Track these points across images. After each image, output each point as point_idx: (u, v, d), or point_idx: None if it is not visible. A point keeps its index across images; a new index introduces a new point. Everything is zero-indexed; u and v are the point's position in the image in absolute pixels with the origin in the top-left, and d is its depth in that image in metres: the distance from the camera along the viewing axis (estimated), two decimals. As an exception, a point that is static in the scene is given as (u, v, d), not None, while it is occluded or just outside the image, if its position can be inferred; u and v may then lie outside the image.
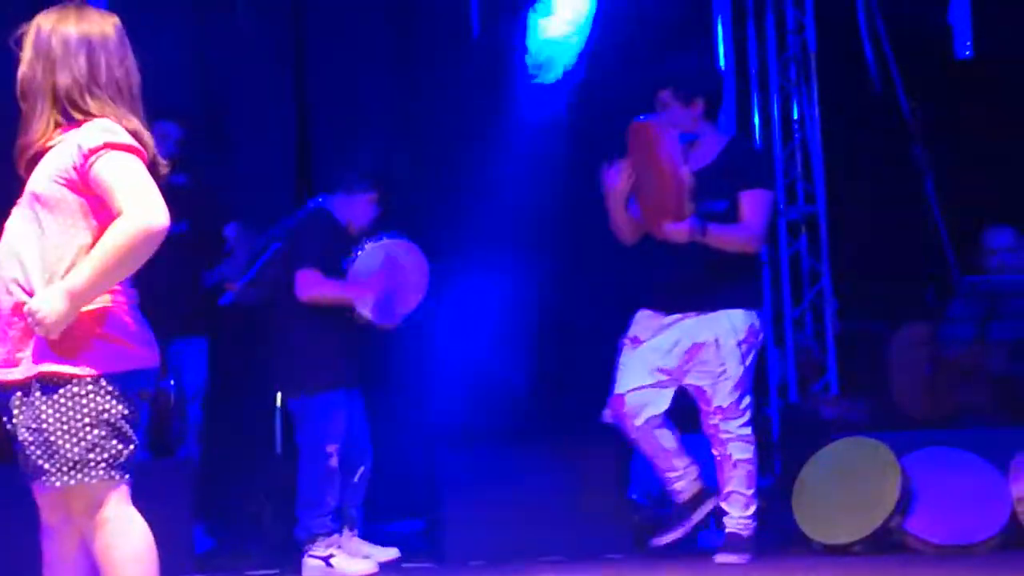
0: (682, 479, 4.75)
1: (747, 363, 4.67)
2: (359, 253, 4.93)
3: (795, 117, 7.78)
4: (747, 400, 4.72)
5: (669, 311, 4.70)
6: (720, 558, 4.64)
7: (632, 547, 4.99)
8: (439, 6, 6.64)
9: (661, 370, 4.70)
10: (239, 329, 5.50)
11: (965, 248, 6.08)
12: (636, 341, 4.72)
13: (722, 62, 7.21)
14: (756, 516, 4.76)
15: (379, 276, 4.92)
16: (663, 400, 4.70)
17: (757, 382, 6.95)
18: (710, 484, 4.78)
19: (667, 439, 4.72)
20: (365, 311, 4.88)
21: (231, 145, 5.96)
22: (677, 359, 4.68)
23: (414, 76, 6.67)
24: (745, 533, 4.71)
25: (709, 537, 5.12)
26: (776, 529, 5.44)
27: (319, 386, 4.82)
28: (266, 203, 5.85)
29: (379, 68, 6.62)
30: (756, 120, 7.76)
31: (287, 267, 4.90)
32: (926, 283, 5.52)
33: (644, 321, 4.75)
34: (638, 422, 4.68)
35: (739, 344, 4.65)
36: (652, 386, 4.69)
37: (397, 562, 4.92)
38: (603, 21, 6.54)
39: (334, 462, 4.81)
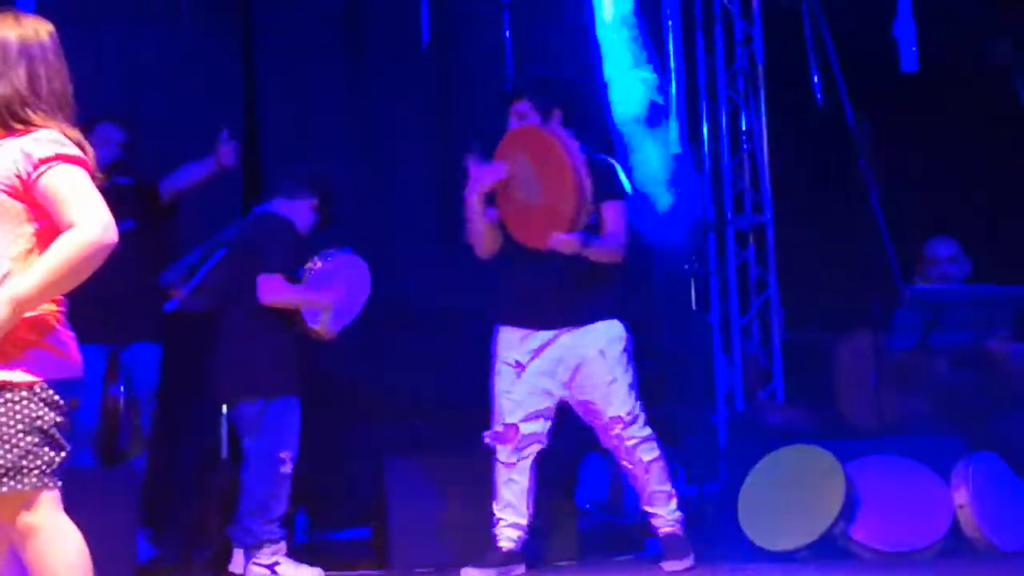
0: (511, 528, 4.62)
1: (631, 368, 4.66)
2: (319, 262, 4.91)
3: (743, 128, 7.84)
4: (639, 403, 4.69)
5: (540, 327, 4.59)
6: (667, 566, 4.63)
7: (579, 555, 4.99)
8: (390, 13, 6.63)
9: (548, 393, 4.61)
10: (186, 334, 5.45)
11: (908, 258, 6.16)
12: (519, 366, 4.59)
13: (672, 73, 7.26)
14: (681, 507, 4.75)
15: (338, 287, 4.92)
16: (546, 432, 4.64)
17: (705, 389, 7.03)
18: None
19: (530, 480, 4.64)
20: (322, 318, 4.87)
21: (177, 149, 5.91)
22: (562, 379, 4.61)
23: (365, 82, 6.66)
24: (679, 531, 4.69)
25: (656, 545, 5.13)
26: (722, 535, 5.47)
27: (278, 391, 4.79)
28: (212, 208, 5.80)
29: (330, 73, 6.60)
30: (704, 131, 7.81)
31: (243, 271, 4.85)
32: (871, 293, 5.57)
33: (515, 341, 4.61)
34: (526, 453, 4.60)
35: (622, 352, 4.64)
36: (542, 414, 4.60)
37: (343, 570, 4.89)
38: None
39: (287, 468, 4.79)
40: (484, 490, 4.68)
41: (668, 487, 4.70)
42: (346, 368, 5.95)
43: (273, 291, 4.75)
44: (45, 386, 2.60)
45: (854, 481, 4.79)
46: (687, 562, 4.62)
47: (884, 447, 5.08)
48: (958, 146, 7.23)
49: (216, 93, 6.21)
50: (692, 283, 6.29)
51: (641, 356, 7.66)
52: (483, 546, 4.68)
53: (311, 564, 4.80)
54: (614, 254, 4.63)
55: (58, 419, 2.62)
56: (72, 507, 4.44)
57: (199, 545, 5.00)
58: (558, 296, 4.57)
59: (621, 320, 4.68)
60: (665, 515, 4.67)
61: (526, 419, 4.58)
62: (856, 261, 6.19)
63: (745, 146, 7.87)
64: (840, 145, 6.41)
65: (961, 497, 4.76)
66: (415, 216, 6.38)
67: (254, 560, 4.71)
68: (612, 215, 4.59)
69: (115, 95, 5.93)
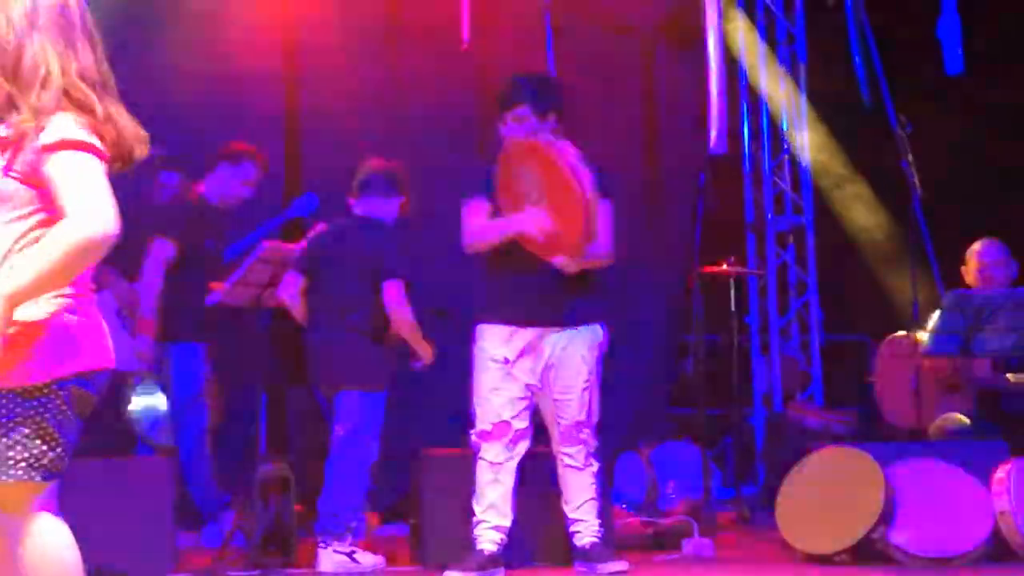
0: (493, 530, 4.54)
1: (599, 373, 4.65)
2: None
3: (784, 129, 7.80)
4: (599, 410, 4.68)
5: (527, 325, 4.56)
6: (609, 567, 4.54)
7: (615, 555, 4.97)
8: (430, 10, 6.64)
9: (530, 388, 4.58)
10: (225, 328, 5.51)
11: (951, 261, 6.10)
12: (507, 362, 4.55)
13: (714, 75, 7.23)
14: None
15: None
16: (531, 432, 4.61)
17: (743, 391, 7.00)
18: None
19: (515, 482, 4.57)
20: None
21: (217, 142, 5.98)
22: (539, 377, 4.58)
23: (404, 83, 6.68)
24: (600, 539, 4.63)
25: (692, 545, 5.11)
26: (759, 538, 5.45)
27: (380, 383, 4.93)
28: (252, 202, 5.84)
29: (370, 70, 6.63)
30: (745, 131, 7.78)
31: (358, 275, 4.92)
32: (912, 295, 5.52)
33: (502, 338, 4.56)
34: (516, 452, 4.55)
35: (599, 358, 4.64)
36: (527, 412, 4.57)
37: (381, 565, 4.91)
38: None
39: (374, 455, 4.93)
40: (524, 486, 4.66)
41: (596, 498, 4.66)
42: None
43: (399, 301, 4.89)
44: (57, 384, 2.49)
45: (894, 485, 4.75)
46: (623, 564, 4.58)
47: (924, 451, 5.03)
48: (1002, 148, 7.16)
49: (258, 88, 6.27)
50: (731, 284, 6.25)
51: (679, 357, 7.69)
52: (517, 541, 4.68)
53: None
54: (605, 260, 4.64)
55: (65, 414, 2.51)
56: (110, 495, 4.55)
57: (238, 535, 5.02)
58: (546, 296, 4.55)
59: (602, 325, 4.67)
60: (593, 523, 4.62)
61: (516, 416, 4.55)
62: (897, 263, 6.15)
63: (786, 147, 7.83)
64: (882, 146, 6.36)
65: (1002, 503, 4.71)
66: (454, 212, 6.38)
67: (335, 548, 4.78)
68: (600, 221, 4.54)
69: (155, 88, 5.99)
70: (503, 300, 4.60)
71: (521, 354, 4.56)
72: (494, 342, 4.58)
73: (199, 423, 5.52)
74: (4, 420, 2.47)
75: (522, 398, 4.57)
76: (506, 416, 4.53)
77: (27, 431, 2.48)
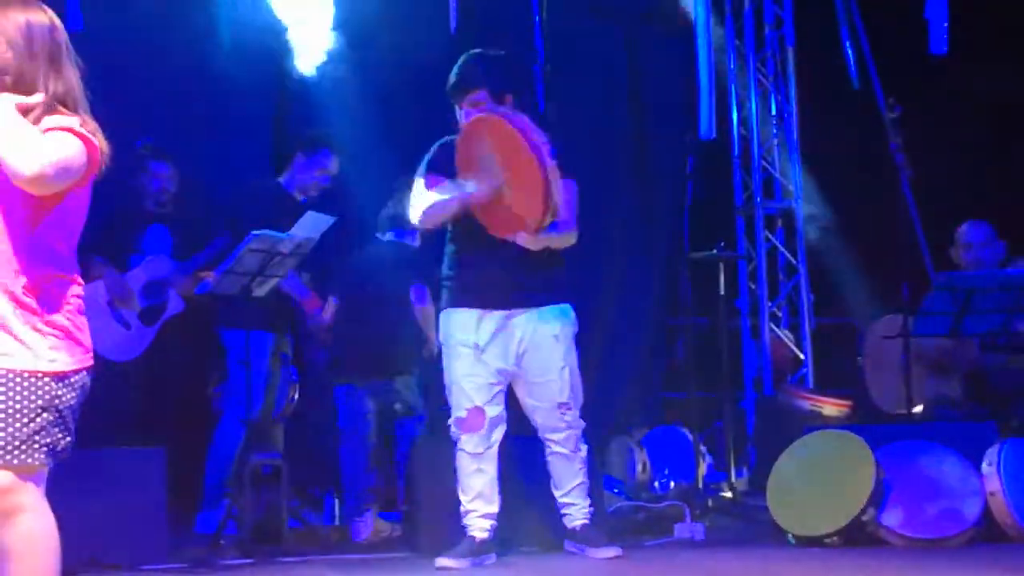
0: (483, 518, 4.53)
1: (576, 353, 4.63)
2: None
3: (773, 112, 7.80)
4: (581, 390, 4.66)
5: (494, 308, 4.52)
6: (598, 553, 4.55)
7: (607, 539, 4.98)
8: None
9: (502, 372, 4.55)
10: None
11: (940, 242, 6.12)
12: (478, 348, 4.51)
13: (703, 58, 7.22)
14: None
15: None
16: (506, 416, 4.58)
17: (733, 375, 7.01)
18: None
19: (498, 468, 4.56)
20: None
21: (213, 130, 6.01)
22: (512, 361, 4.55)
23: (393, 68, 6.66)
24: (590, 522, 4.63)
25: (684, 529, 5.13)
26: (750, 521, 5.46)
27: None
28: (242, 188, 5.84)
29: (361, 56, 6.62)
30: (734, 116, 7.78)
31: (408, 269, 5.51)
32: (901, 277, 5.53)
33: (471, 323, 4.53)
34: (493, 440, 4.53)
35: (573, 337, 4.62)
36: (501, 397, 4.55)
37: (374, 553, 4.93)
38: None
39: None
40: (514, 474, 4.67)
41: (587, 480, 4.67)
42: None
43: (424, 301, 5.54)
44: (77, 373, 2.66)
45: (884, 467, 4.76)
46: (616, 549, 4.58)
47: (914, 433, 5.05)
48: (989, 129, 7.17)
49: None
50: (721, 268, 6.26)
51: (670, 341, 7.70)
52: (513, 528, 4.68)
53: (341, 550, 4.88)
54: (571, 239, 4.60)
55: (75, 403, 2.67)
56: (103, 485, 4.55)
57: (231, 522, 5.03)
58: (511, 278, 4.52)
59: (571, 304, 4.65)
60: (583, 506, 4.63)
61: (490, 402, 4.53)
62: (886, 245, 6.16)
63: (775, 131, 7.83)
64: (870, 129, 6.37)
65: (992, 484, 4.73)
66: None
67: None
68: (565, 196, 4.47)
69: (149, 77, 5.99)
70: (468, 285, 4.57)
71: (491, 339, 4.53)
72: (461, 328, 4.55)
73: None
74: (33, 404, 2.60)
75: (494, 383, 4.54)
76: (479, 402, 4.50)
77: (51, 417, 2.62)
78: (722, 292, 6.27)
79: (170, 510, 4.90)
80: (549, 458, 4.65)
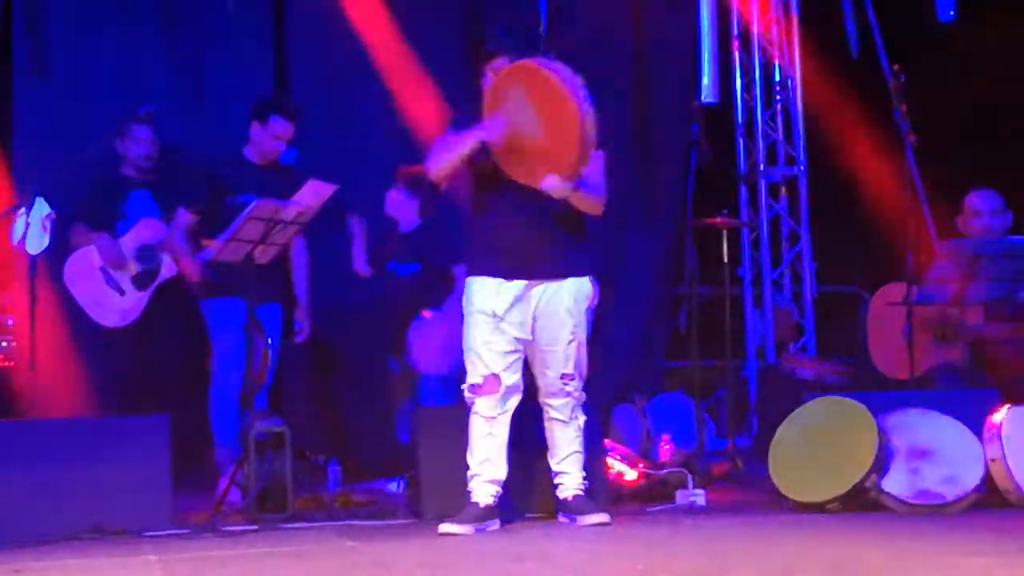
0: (489, 483, 4.53)
1: (589, 326, 4.63)
2: None
3: (776, 79, 7.77)
4: (586, 362, 4.66)
5: (514, 277, 4.52)
6: (588, 519, 4.55)
7: (609, 505, 5.01)
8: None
9: (520, 342, 4.56)
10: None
11: (945, 210, 6.10)
12: (496, 316, 4.52)
13: (705, 25, 7.19)
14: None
15: None
16: (523, 385, 4.60)
17: (736, 343, 7.01)
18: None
19: (508, 435, 4.56)
20: None
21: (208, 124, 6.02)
22: (529, 328, 4.55)
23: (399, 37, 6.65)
24: (584, 492, 4.65)
25: (686, 496, 5.15)
26: (753, 488, 5.48)
27: None
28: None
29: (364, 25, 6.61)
30: (738, 82, 7.74)
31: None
32: (905, 246, 5.53)
33: (491, 291, 4.53)
34: (508, 406, 4.55)
35: (588, 310, 4.61)
36: (518, 365, 4.55)
37: (377, 519, 4.94)
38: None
39: None
40: (518, 439, 4.69)
41: (582, 452, 4.68)
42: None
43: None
44: None
45: (886, 433, 4.78)
46: (605, 516, 4.59)
47: (916, 400, 5.06)
48: (995, 97, 7.13)
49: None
50: (724, 236, 6.25)
51: (673, 310, 7.70)
52: (515, 495, 4.70)
53: (344, 516, 4.90)
54: (598, 206, 4.58)
55: None
56: (108, 453, 4.57)
57: (234, 490, 5.05)
58: (533, 247, 4.52)
59: (591, 277, 4.65)
60: (577, 476, 4.65)
61: (507, 368, 4.54)
62: (890, 213, 6.15)
63: (779, 98, 7.79)
64: (875, 96, 6.34)
65: (994, 450, 4.74)
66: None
67: None
68: (595, 166, 4.46)
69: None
70: (490, 253, 4.57)
71: (510, 307, 4.55)
72: (483, 295, 4.56)
73: None
74: None
75: (512, 351, 4.55)
76: (496, 369, 4.52)
77: None
78: (725, 260, 6.26)
79: (174, 476, 4.93)
80: (546, 424, 4.67)
